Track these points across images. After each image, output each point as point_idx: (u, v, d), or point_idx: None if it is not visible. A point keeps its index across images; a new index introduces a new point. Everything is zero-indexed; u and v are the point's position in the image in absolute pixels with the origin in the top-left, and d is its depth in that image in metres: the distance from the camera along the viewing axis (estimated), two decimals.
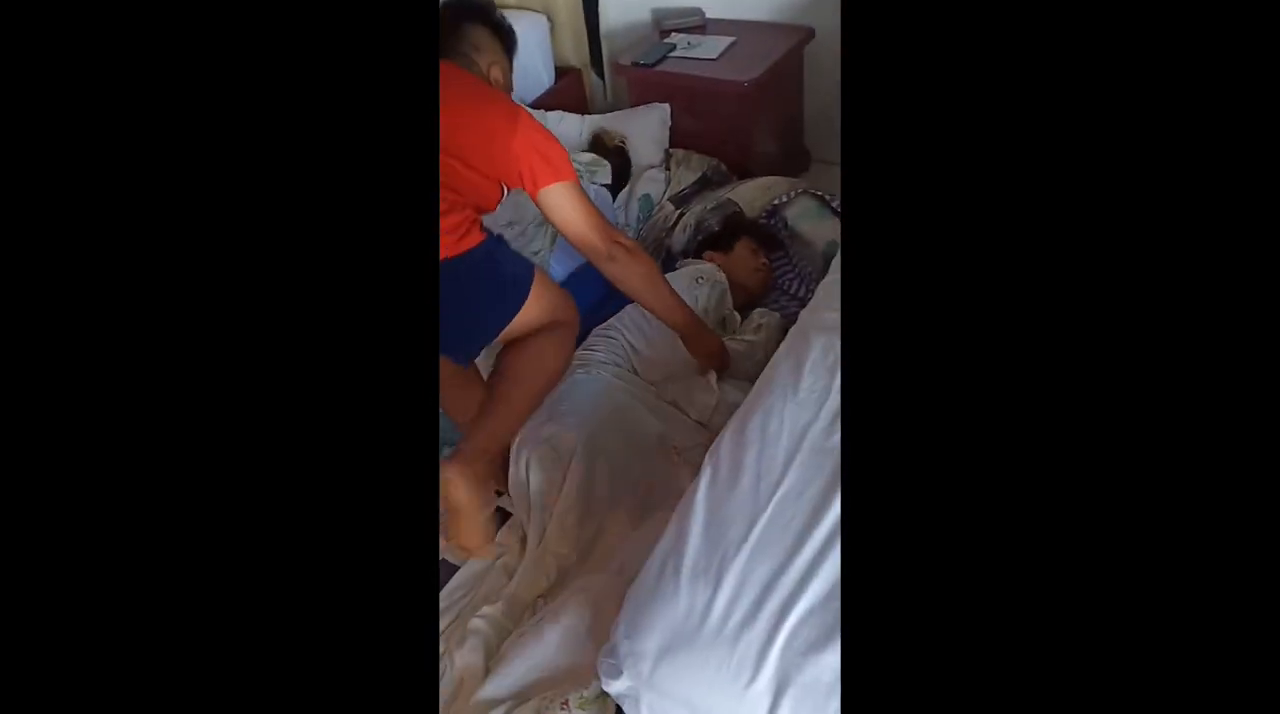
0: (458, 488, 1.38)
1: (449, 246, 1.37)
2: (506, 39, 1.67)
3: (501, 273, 1.48)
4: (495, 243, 1.48)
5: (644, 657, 1.03)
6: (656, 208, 2.43)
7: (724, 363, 1.81)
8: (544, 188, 1.47)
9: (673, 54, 2.52)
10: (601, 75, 2.94)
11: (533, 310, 1.50)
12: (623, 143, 2.53)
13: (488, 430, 1.49)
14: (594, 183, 2.39)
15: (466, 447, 1.44)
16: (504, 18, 1.70)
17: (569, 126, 2.60)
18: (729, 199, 2.30)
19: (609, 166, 2.46)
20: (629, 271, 1.58)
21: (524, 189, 1.50)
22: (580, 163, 2.37)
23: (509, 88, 1.66)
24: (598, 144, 2.54)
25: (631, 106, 2.67)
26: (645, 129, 2.54)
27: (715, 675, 0.98)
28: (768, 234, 2.21)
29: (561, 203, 1.48)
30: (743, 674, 0.96)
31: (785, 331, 1.51)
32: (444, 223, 1.36)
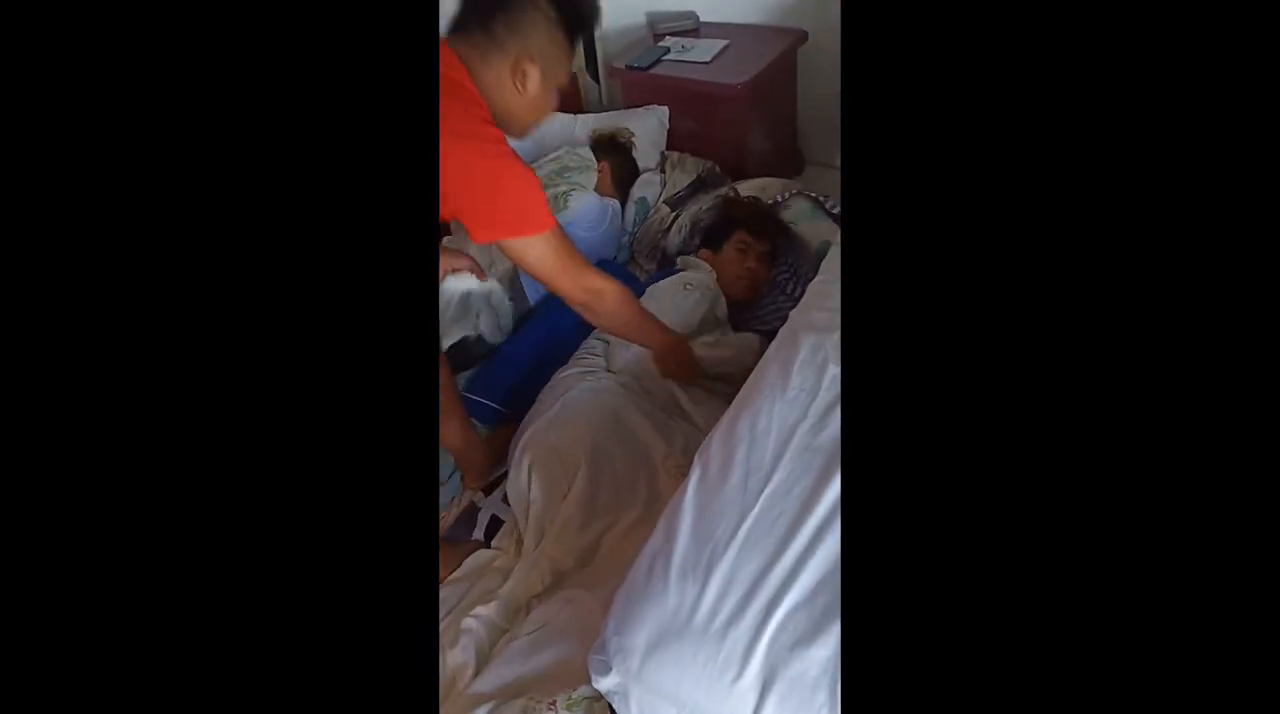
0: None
1: None
2: (570, 18, 1.23)
3: None
4: None
5: (632, 653, 1.03)
6: (652, 210, 2.44)
7: (689, 377, 1.78)
8: (511, 240, 1.24)
9: (667, 57, 2.53)
10: (596, 78, 2.95)
11: None
12: (632, 142, 2.49)
13: None
14: (607, 202, 2.36)
15: None
16: None
17: (561, 124, 2.61)
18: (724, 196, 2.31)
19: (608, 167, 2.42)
20: (604, 317, 1.52)
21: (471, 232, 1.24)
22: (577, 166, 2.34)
23: (546, 91, 1.27)
24: (612, 143, 2.47)
25: (626, 108, 2.67)
26: (643, 131, 2.54)
27: (703, 671, 0.98)
28: (768, 221, 2.16)
29: (528, 253, 1.29)
30: (730, 669, 0.97)
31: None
32: None
